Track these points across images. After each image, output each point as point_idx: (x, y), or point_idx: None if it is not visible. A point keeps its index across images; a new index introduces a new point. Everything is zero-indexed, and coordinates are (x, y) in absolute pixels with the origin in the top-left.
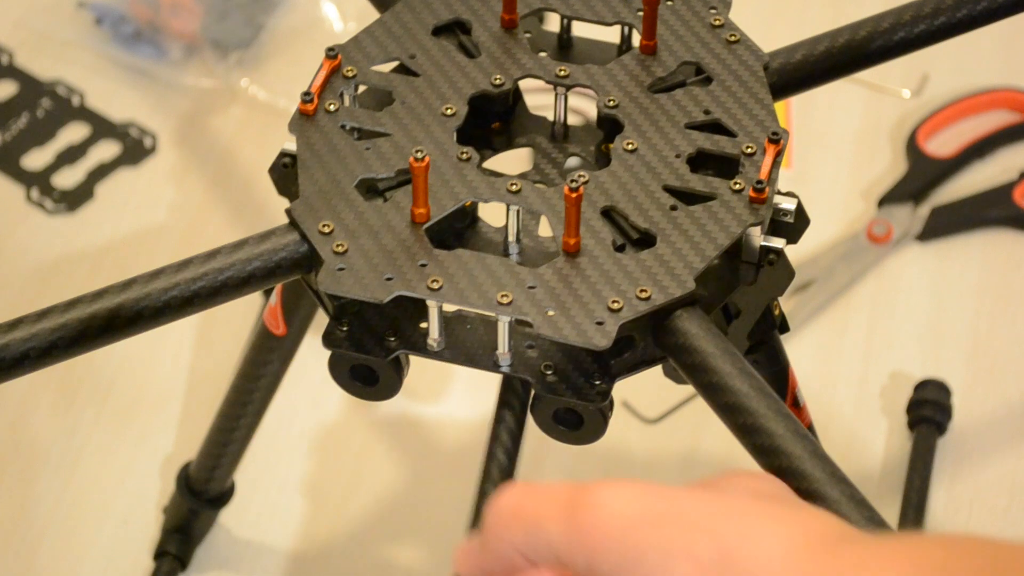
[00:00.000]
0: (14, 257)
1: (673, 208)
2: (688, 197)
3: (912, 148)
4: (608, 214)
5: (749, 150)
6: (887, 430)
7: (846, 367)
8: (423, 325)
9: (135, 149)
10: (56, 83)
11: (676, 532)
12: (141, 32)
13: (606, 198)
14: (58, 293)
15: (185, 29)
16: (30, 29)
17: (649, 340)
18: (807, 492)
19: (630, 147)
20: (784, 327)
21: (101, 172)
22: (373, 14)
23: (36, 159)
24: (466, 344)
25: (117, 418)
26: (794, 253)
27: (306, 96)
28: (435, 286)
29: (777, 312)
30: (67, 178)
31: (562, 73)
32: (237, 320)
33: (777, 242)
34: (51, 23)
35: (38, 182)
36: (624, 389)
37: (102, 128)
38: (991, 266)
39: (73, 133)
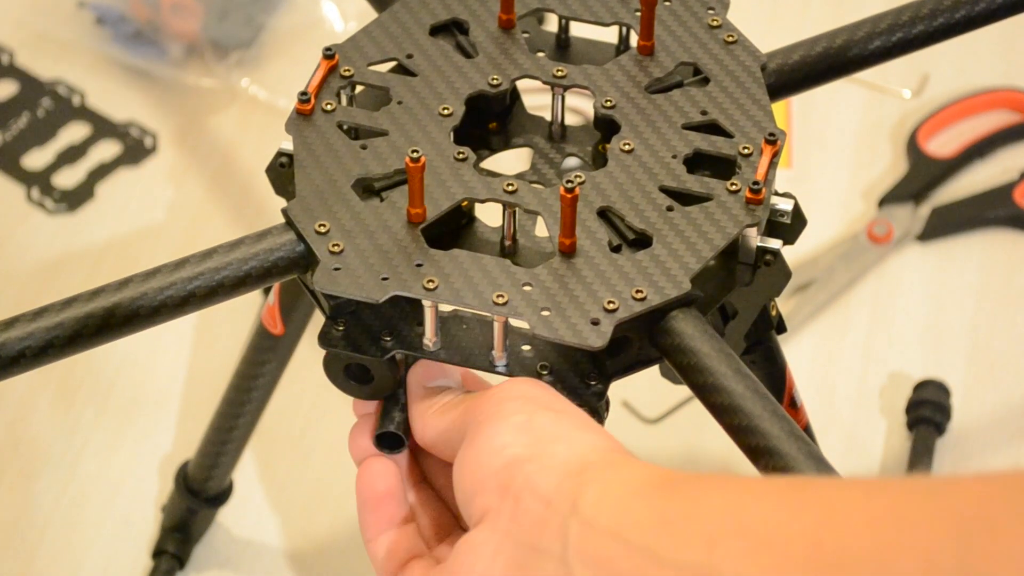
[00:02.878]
0: (14, 257)
1: (669, 209)
2: (684, 198)
3: (912, 148)
4: (604, 214)
5: (746, 151)
6: (886, 430)
7: (846, 367)
8: (419, 325)
9: (135, 149)
10: (56, 83)
11: (529, 404)
12: (141, 32)
13: (602, 198)
14: (58, 293)
15: (185, 29)
16: (30, 29)
17: (645, 340)
18: None
19: (627, 147)
20: (781, 328)
21: (101, 172)
22: (373, 14)
23: (36, 159)
24: (462, 344)
25: (117, 418)
26: (794, 253)
27: (303, 96)
28: (431, 286)
29: (774, 313)
30: (67, 178)
31: (559, 73)
32: (236, 320)
33: (774, 243)
34: (51, 23)
35: (38, 182)
36: (624, 389)
37: (102, 128)
38: (991, 266)
39: (73, 133)
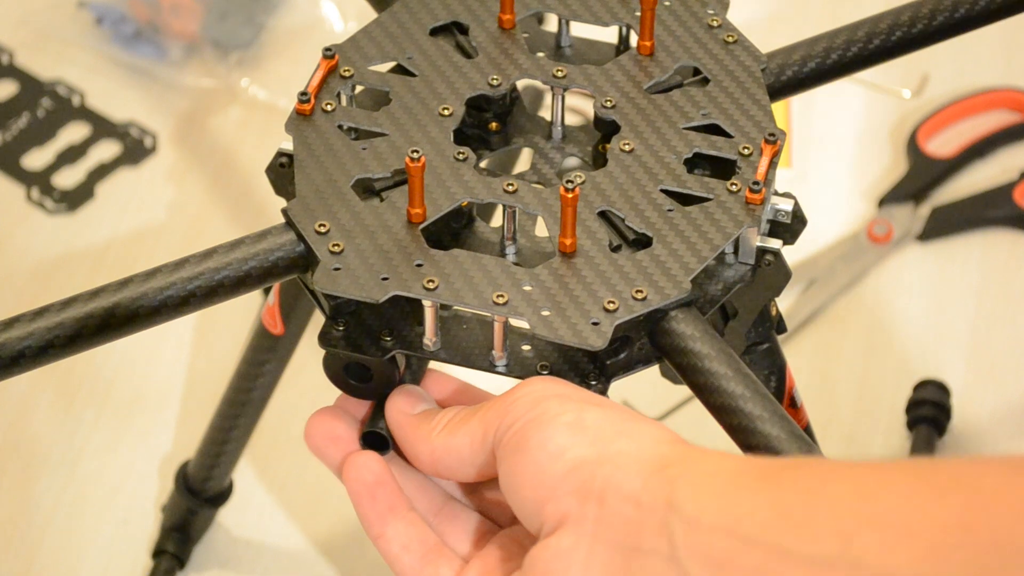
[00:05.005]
0: (14, 257)
1: (669, 209)
2: (685, 198)
3: (912, 148)
4: (605, 215)
5: (746, 151)
6: (886, 430)
7: (846, 367)
8: (419, 325)
9: (135, 149)
10: (56, 83)
11: (569, 402)
12: (141, 32)
13: (603, 199)
14: (58, 293)
15: (185, 29)
16: (30, 29)
17: (645, 340)
18: None
19: (627, 148)
20: (781, 327)
21: (101, 172)
22: (373, 14)
23: (36, 159)
24: (462, 344)
25: (117, 418)
26: (795, 253)
27: (303, 96)
28: (431, 286)
29: (774, 312)
30: (67, 178)
31: (559, 74)
32: (236, 320)
33: (774, 243)
34: (51, 23)
35: (38, 182)
36: (624, 389)
37: (102, 128)
38: (991, 266)
39: (73, 133)
